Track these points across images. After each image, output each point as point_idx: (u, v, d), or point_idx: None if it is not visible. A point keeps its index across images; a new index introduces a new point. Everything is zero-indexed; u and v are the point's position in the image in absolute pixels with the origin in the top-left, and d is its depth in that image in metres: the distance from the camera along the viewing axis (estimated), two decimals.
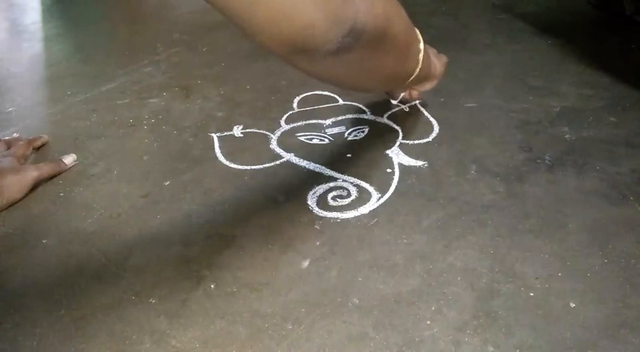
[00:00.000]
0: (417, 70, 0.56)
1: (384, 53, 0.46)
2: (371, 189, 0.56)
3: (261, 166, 0.62)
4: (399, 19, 0.47)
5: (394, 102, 0.72)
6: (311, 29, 0.35)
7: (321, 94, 0.77)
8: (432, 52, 0.64)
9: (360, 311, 0.43)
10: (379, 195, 0.55)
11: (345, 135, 0.67)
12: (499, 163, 0.59)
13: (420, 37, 0.55)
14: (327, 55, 0.38)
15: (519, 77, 0.79)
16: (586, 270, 0.45)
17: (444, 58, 0.67)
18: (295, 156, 0.63)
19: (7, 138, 0.69)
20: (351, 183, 0.58)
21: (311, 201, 0.55)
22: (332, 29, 0.36)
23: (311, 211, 0.54)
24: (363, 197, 0.55)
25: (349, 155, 0.62)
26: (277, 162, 0.62)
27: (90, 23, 1.24)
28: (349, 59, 0.41)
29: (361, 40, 0.39)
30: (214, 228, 0.53)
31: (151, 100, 0.81)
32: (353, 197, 0.55)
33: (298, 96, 0.77)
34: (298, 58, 0.39)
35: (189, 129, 0.72)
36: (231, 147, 0.67)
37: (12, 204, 0.58)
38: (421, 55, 0.55)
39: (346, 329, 0.41)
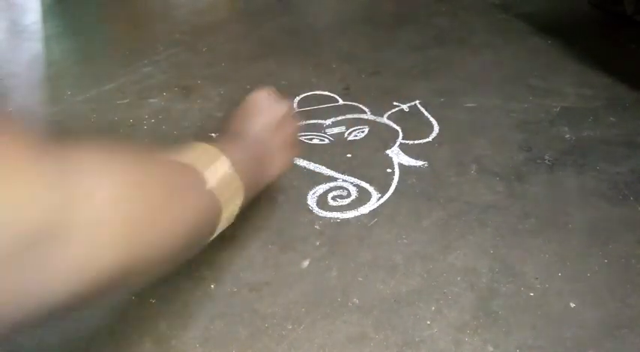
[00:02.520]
0: (216, 232, 0.41)
1: (137, 275, 0.31)
2: (371, 189, 0.56)
3: None
4: (170, 228, 0.32)
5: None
6: None
7: (321, 94, 0.77)
8: (260, 152, 0.45)
9: (360, 311, 0.43)
10: (379, 195, 0.55)
11: (345, 135, 0.66)
12: (499, 163, 0.59)
13: (219, 199, 0.38)
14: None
15: (519, 77, 0.79)
16: (586, 270, 0.45)
17: (286, 128, 0.49)
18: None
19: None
20: (351, 183, 0.58)
21: (311, 201, 0.55)
22: None
23: (311, 211, 0.54)
24: (363, 197, 0.55)
25: (349, 155, 0.62)
26: None
27: (90, 23, 1.24)
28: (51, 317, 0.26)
29: (58, 309, 0.25)
30: None
31: (151, 100, 0.81)
32: (353, 197, 0.55)
33: (298, 96, 0.77)
34: None
35: (189, 129, 0.72)
36: None
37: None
38: (225, 214, 0.40)
39: (346, 329, 0.41)
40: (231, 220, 0.42)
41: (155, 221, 0.31)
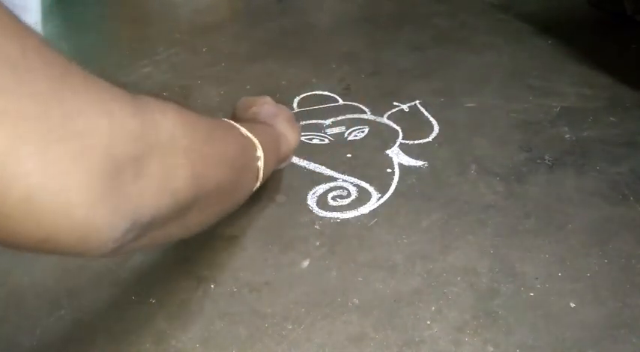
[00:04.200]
0: (258, 181, 0.47)
1: (204, 208, 0.36)
2: (371, 189, 0.56)
3: None
4: (221, 163, 0.38)
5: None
6: (52, 244, 0.24)
7: (321, 94, 0.77)
8: (274, 130, 0.52)
9: (360, 311, 0.43)
10: (379, 195, 0.55)
11: (345, 135, 0.66)
12: (499, 163, 0.59)
13: (254, 139, 0.44)
14: (104, 255, 0.27)
15: (519, 77, 0.79)
16: (586, 270, 0.45)
17: (283, 114, 0.56)
18: (295, 156, 0.63)
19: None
20: (351, 183, 0.58)
21: (311, 201, 0.55)
22: (89, 244, 0.25)
23: (311, 211, 0.54)
24: (363, 197, 0.55)
25: (349, 155, 0.62)
26: None
27: (90, 23, 1.24)
28: (146, 241, 0.31)
29: (154, 227, 0.29)
30: (214, 228, 0.52)
31: None
32: (353, 197, 0.55)
33: (298, 96, 0.77)
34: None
35: None
36: None
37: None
38: (261, 162, 0.45)
39: (346, 329, 0.41)
40: (260, 179, 0.47)
41: (208, 151, 0.35)
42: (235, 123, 0.44)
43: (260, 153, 0.45)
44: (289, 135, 0.54)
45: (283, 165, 0.58)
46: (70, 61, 0.24)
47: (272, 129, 0.52)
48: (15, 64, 0.21)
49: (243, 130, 0.44)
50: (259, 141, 0.45)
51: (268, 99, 0.57)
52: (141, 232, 0.28)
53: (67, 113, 0.23)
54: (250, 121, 0.50)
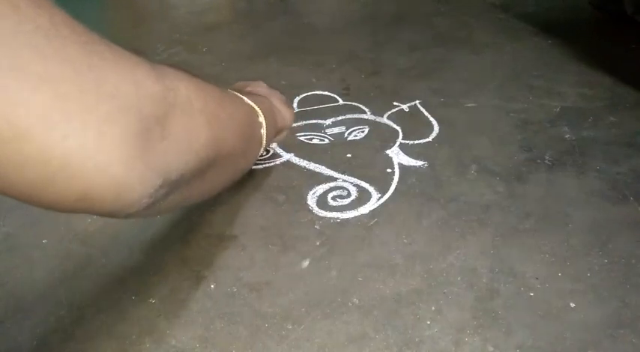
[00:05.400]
0: (262, 147, 0.51)
1: (220, 168, 0.39)
2: (371, 189, 0.56)
3: (260, 166, 0.62)
4: (232, 127, 0.40)
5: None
6: (89, 202, 0.25)
7: (321, 94, 0.77)
8: (270, 104, 0.54)
9: (360, 311, 0.43)
10: (379, 195, 0.55)
11: (345, 135, 0.67)
12: (499, 163, 0.59)
13: (255, 106, 0.48)
14: (137, 211, 0.29)
15: (519, 77, 0.79)
16: (586, 270, 0.45)
17: (277, 95, 0.60)
18: (295, 156, 0.63)
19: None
20: (351, 183, 0.58)
21: (311, 201, 0.55)
22: (124, 201, 0.27)
23: (311, 211, 0.54)
24: (363, 197, 0.55)
25: (349, 155, 0.62)
26: (277, 162, 0.62)
27: (90, 24, 1.24)
28: (175, 198, 0.33)
29: (181, 183, 0.32)
30: (214, 228, 0.53)
31: None
32: (353, 197, 0.55)
33: (298, 96, 0.77)
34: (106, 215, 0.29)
35: None
36: None
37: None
38: (264, 130, 0.49)
39: (346, 329, 0.41)
40: (264, 144, 0.51)
41: (220, 113, 0.37)
42: (237, 93, 0.47)
43: (262, 120, 0.48)
44: (283, 110, 0.57)
45: (279, 138, 0.61)
46: (93, 32, 0.26)
47: (269, 101, 0.54)
48: (47, 32, 0.22)
49: (246, 99, 0.47)
50: (260, 110, 0.48)
51: (262, 82, 0.61)
52: (170, 189, 0.30)
53: (97, 77, 0.24)
54: (248, 94, 0.51)
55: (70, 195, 0.24)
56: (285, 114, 0.58)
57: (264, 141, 0.51)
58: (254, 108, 0.48)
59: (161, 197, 0.30)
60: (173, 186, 0.31)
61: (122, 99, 0.25)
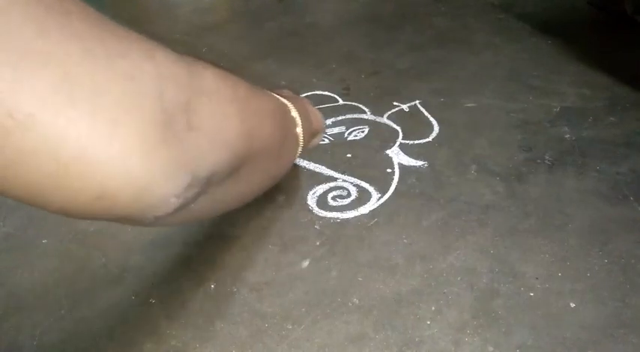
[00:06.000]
0: (300, 147, 0.47)
1: (255, 167, 0.35)
2: (371, 189, 0.56)
3: None
4: (265, 120, 0.36)
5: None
6: (108, 202, 0.22)
7: (321, 94, 0.77)
8: (302, 104, 0.50)
9: (360, 311, 0.43)
10: (379, 195, 0.55)
11: (345, 135, 0.67)
12: (499, 163, 0.59)
13: (288, 103, 0.44)
14: (167, 215, 0.26)
15: (519, 77, 0.79)
16: (586, 270, 0.45)
17: (304, 99, 0.55)
18: None
19: None
20: (351, 183, 0.58)
21: (311, 201, 0.55)
22: (148, 200, 0.23)
23: (311, 211, 0.54)
24: (363, 197, 0.55)
25: (349, 155, 0.62)
26: None
27: None
28: (208, 201, 0.30)
29: (213, 182, 0.29)
30: (214, 228, 0.53)
31: None
32: (353, 197, 0.55)
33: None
34: (133, 223, 0.26)
35: None
36: None
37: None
38: (299, 129, 0.45)
39: (346, 329, 0.41)
40: (301, 145, 0.48)
41: (251, 104, 0.34)
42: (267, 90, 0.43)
43: (296, 116, 0.44)
44: (316, 112, 0.53)
45: (316, 141, 0.56)
46: (103, 15, 0.23)
47: (301, 100, 0.50)
48: (49, 4, 0.19)
49: (277, 95, 0.43)
50: (293, 106, 0.44)
51: (286, 90, 0.56)
52: (201, 189, 0.27)
53: (110, 54, 0.21)
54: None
55: (84, 193, 0.21)
56: (318, 115, 0.54)
57: (302, 142, 0.47)
58: (285, 104, 0.44)
59: (192, 198, 0.26)
60: (204, 185, 0.27)
61: (140, 80, 0.22)
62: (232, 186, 0.32)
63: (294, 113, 0.44)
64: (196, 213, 0.30)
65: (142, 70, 0.22)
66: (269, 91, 0.43)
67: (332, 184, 0.58)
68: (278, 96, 0.44)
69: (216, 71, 0.30)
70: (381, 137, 0.66)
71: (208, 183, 0.28)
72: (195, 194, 0.26)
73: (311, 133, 0.51)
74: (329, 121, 0.70)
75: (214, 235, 0.52)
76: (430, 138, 0.65)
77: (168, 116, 0.23)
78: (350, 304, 0.43)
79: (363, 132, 0.67)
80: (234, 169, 0.31)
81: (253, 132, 0.33)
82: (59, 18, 0.20)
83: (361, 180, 0.58)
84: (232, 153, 0.29)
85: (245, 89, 0.34)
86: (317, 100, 0.75)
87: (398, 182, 0.57)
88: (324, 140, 0.66)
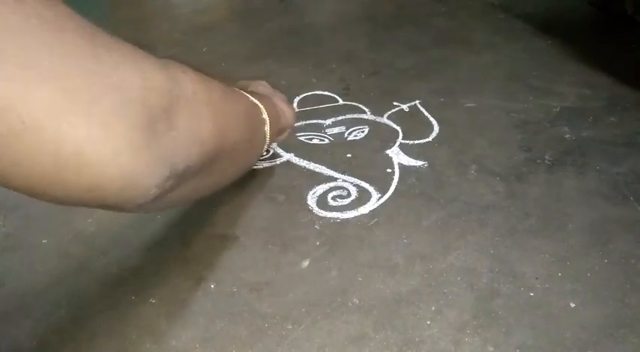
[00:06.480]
0: (266, 144, 0.52)
1: (226, 162, 0.40)
2: (371, 189, 0.56)
3: (261, 166, 0.62)
4: (236, 120, 0.41)
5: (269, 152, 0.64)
6: (100, 193, 0.26)
7: (321, 94, 0.77)
8: (273, 103, 0.54)
9: (360, 311, 0.43)
10: (379, 195, 0.55)
11: (345, 135, 0.67)
12: (499, 163, 0.59)
13: (259, 104, 0.48)
14: (146, 203, 0.29)
15: (519, 77, 0.79)
16: (586, 270, 0.45)
17: (279, 94, 0.60)
18: (295, 156, 0.63)
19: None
20: (351, 183, 0.58)
21: (311, 201, 0.55)
22: (133, 191, 0.27)
23: (311, 211, 0.54)
24: (363, 197, 0.55)
25: (349, 155, 0.62)
26: (277, 162, 0.62)
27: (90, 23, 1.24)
28: (183, 190, 0.34)
29: (188, 175, 0.32)
30: (214, 228, 0.53)
31: None
32: (353, 197, 0.55)
33: (298, 96, 0.77)
34: (115, 209, 0.30)
35: None
36: None
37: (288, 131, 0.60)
38: (267, 127, 0.49)
39: (346, 329, 0.41)
40: (267, 142, 0.52)
41: (225, 107, 0.38)
42: (240, 90, 0.47)
43: (265, 117, 0.49)
44: (286, 110, 0.57)
45: (281, 137, 0.60)
46: (98, 27, 0.26)
47: (271, 100, 0.54)
48: (53, 26, 0.23)
49: (249, 96, 0.47)
50: (263, 107, 0.49)
51: (264, 82, 0.61)
52: (177, 181, 0.31)
53: (104, 69, 0.25)
54: (250, 93, 0.52)
55: (80, 186, 0.25)
56: (287, 113, 0.58)
57: (268, 139, 0.51)
58: (257, 105, 0.48)
59: (169, 188, 0.30)
60: (180, 177, 0.31)
61: (128, 91, 0.26)
62: (205, 177, 0.37)
63: (264, 114, 0.49)
64: (172, 200, 0.34)
65: (131, 81, 0.26)
66: (242, 91, 0.48)
67: (332, 184, 0.58)
68: (249, 96, 0.48)
69: (194, 76, 0.33)
70: (381, 137, 0.66)
71: (184, 176, 0.32)
72: (172, 185, 0.31)
73: (278, 130, 0.56)
74: (329, 121, 0.70)
75: (214, 235, 0.52)
76: (430, 138, 0.65)
77: (151, 119, 0.27)
78: (350, 304, 0.43)
79: (363, 132, 0.67)
80: (206, 163, 0.35)
81: (225, 131, 0.37)
82: (62, 37, 0.23)
83: (361, 180, 0.58)
84: (205, 150, 0.34)
85: (219, 92, 0.38)
86: (317, 100, 0.75)
87: (398, 182, 0.57)
88: (323, 140, 0.66)
